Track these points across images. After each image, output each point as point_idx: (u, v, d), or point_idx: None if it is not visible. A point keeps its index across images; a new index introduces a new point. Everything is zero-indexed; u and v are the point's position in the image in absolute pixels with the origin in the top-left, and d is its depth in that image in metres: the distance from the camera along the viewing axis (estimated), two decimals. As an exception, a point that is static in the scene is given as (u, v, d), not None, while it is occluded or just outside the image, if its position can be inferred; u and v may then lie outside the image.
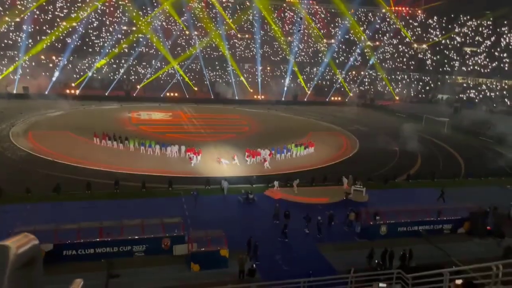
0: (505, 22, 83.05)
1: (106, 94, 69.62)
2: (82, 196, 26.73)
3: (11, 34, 77.71)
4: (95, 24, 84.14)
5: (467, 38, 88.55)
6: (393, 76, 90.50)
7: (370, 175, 33.61)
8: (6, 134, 41.27)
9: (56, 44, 78.02)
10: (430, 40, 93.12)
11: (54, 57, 77.18)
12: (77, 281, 2.35)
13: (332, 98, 79.95)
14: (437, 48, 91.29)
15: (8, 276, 1.64)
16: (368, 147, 43.39)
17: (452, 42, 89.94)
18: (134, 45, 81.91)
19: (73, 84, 71.27)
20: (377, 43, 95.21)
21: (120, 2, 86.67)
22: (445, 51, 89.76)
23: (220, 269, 19.01)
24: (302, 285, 10.90)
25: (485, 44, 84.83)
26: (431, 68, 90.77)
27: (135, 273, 18.63)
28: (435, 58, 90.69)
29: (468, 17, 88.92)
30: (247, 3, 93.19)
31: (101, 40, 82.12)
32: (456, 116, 63.34)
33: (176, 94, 72.48)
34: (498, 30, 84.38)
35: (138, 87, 73.87)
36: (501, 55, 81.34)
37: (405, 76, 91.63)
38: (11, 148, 36.61)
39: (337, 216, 24.98)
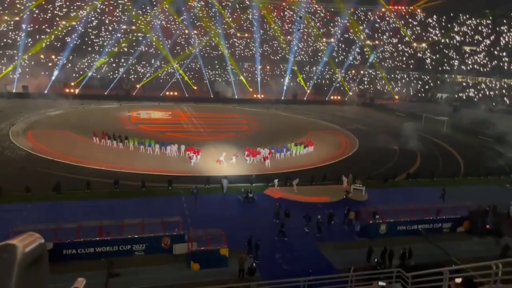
0: (505, 21, 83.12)
1: (106, 93, 69.59)
2: (82, 195, 26.75)
3: (10, 33, 77.69)
4: (94, 23, 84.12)
5: (467, 37, 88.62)
6: (392, 75, 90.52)
7: (370, 174, 33.66)
8: (6, 133, 41.25)
9: (56, 43, 77.97)
10: (430, 39, 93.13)
11: (53, 56, 77.16)
12: (80, 280, 2.36)
13: (332, 97, 79.82)
14: (437, 47, 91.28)
15: (16, 275, 1.66)
16: (367, 146, 43.44)
17: (451, 41, 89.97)
18: (134, 44, 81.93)
19: (72, 83, 71.18)
20: (377, 42, 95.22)
21: (119, 1, 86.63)
22: (444, 50, 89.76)
23: (220, 268, 19.02)
24: (302, 284, 10.89)
25: (484, 43, 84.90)
26: (430, 67, 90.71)
27: (135, 272, 18.63)
28: (434, 57, 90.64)
29: (468, 16, 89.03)
30: (247, 2, 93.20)
31: (100, 39, 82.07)
32: (456, 115, 63.34)
33: (175, 93, 72.42)
34: (497, 29, 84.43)
35: (138, 86, 73.83)
36: (501, 54, 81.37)
37: (405, 75, 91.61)
38: (10, 147, 36.60)
39: (337, 215, 25.03)
